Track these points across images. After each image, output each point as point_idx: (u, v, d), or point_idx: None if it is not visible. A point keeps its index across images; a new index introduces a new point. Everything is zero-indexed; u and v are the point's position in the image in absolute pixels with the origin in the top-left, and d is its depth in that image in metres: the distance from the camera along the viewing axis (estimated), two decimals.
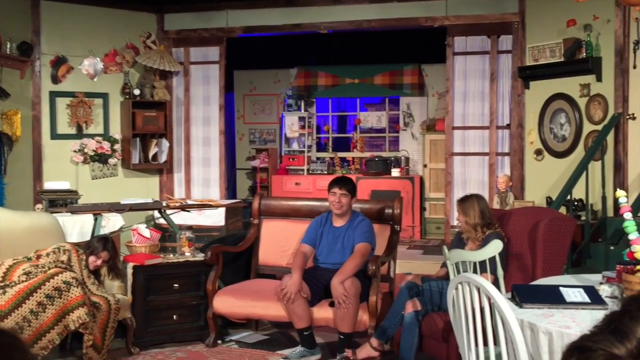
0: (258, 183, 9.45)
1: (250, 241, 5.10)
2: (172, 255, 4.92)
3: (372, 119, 9.65)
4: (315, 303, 4.32)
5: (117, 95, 7.28)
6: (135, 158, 7.21)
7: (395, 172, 8.63)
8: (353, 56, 9.42)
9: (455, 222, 6.92)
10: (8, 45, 6.33)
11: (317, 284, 4.36)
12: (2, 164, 6.08)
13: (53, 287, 3.94)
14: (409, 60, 9.20)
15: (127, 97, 7.22)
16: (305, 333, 4.30)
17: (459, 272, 3.34)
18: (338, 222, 4.49)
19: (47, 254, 4.25)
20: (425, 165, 8.78)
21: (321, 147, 9.83)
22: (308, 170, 9.44)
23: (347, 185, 4.43)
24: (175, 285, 4.75)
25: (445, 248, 3.62)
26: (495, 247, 3.50)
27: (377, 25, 7.23)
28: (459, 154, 7.06)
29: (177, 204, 5.63)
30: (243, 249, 5.15)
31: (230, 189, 9.61)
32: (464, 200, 4.14)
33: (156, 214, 6.20)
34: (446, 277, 4.00)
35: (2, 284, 3.97)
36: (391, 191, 8.18)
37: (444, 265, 4.09)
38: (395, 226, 4.72)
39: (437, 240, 8.01)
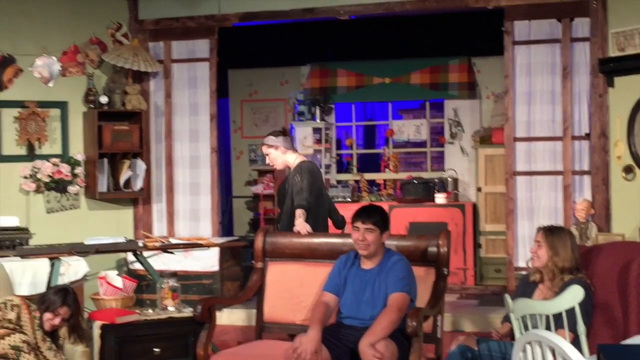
0: (261, 215, 9.47)
1: (252, 291, 5.09)
2: (151, 311, 4.91)
3: (409, 129, 9.66)
4: None
5: (79, 104, 7.34)
6: (103, 185, 7.24)
7: (439, 198, 8.60)
8: (382, 49, 9.45)
9: (522, 263, 6.91)
10: None
11: (341, 346, 4.33)
12: None
13: None
14: (455, 53, 9.22)
15: (92, 106, 7.27)
16: None
17: (527, 329, 3.31)
18: (367, 264, 4.48)
19: None
20: (479, 189, 8.76)
21: (343, 167, 9.84)
22: None
23: (373, 217, 4.42)
24: (155, 349, 4.75)
25: (507, 297, 3.60)
26: (574, 295, 3.47)
27: (413, 8, 7.26)
28: (523, 173, 7.04)
29: (157, 244, 5.64)
30: (242, 301, 5.14)
31: (225, 223, 9.63)
32: (555, 231, 4.16)
33: (130, 257, 6.22)
34: (510, 336, 3.97)
35: None
36: (435, 223, 8.15)
37: (507, 319, 4.06)
38: (442, 269, 4.70)
39: (496, 287, 7.96)
